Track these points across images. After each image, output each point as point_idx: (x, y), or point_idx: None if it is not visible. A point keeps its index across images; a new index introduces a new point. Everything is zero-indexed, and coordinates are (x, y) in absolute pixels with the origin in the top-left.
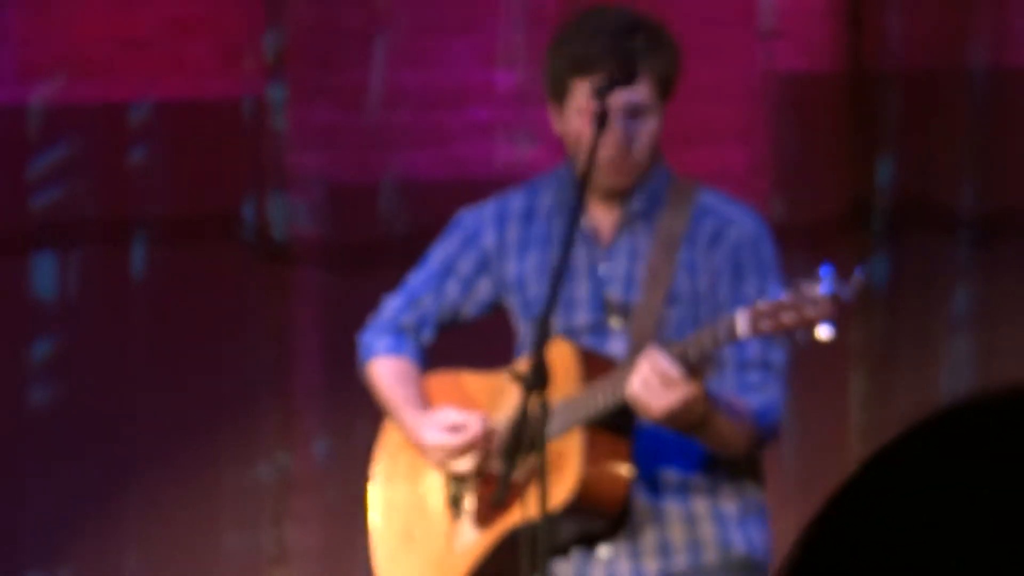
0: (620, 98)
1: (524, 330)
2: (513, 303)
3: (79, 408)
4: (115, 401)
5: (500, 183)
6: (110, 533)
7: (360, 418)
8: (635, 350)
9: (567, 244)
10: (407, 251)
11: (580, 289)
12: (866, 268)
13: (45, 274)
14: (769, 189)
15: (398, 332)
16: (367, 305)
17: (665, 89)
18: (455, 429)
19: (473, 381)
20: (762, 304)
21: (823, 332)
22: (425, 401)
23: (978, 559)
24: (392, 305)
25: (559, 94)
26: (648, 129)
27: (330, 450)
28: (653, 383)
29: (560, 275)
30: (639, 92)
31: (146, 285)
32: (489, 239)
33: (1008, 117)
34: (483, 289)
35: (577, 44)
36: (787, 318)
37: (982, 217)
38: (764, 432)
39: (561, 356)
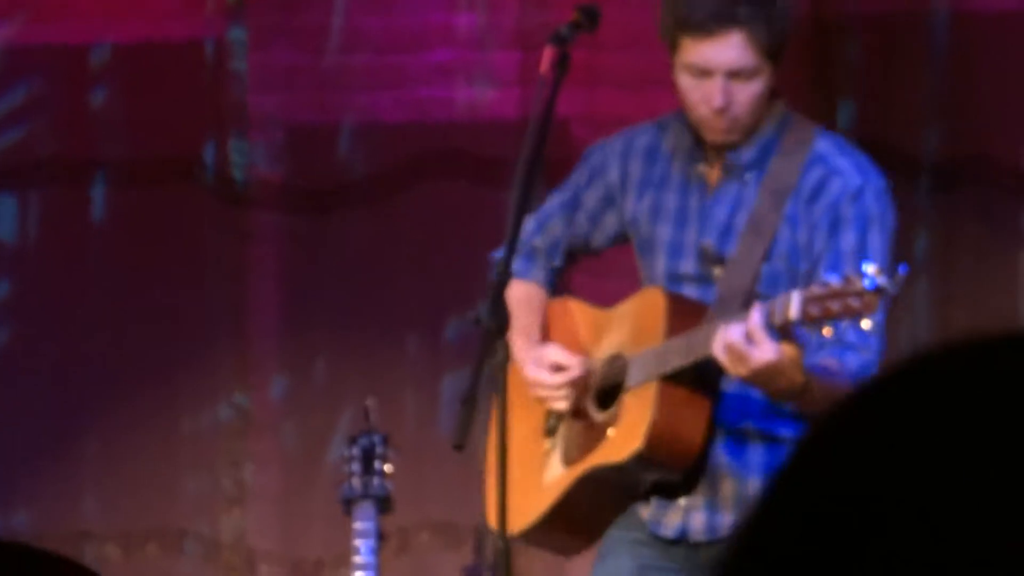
0: (719, 56)
1: (643, 266)
2: (633, 239)
3: (36, 350)
4: (72, 344)
5: (460, 126)
6: (67, 476)
7: (318, 359)
8: (723, 304)
9: (526, 177)
10: (366, 193)
11: (689, 235)
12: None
13: (3, 216)
14: None
15: (530, 254)
16: (326, 247)
17: (771, 51)
18: (556, 368)
19: (584, 314)
20: (817, 288)
21: (865, 324)
22: (542, 329)
23: (936, 526)
24: (527, 227)
25: (670, 47)
26: (750, 91)
27: (288, 391)
28: (739, 345)
29: (520, 208)
30: (736, 53)
31: (105, 227)
32: (613, 174)
33: (970, 61)
34: (610, 222)
35: (683, 1)
36: (835, 306)
37: (943, 162)
38: None
39: (651, 304)
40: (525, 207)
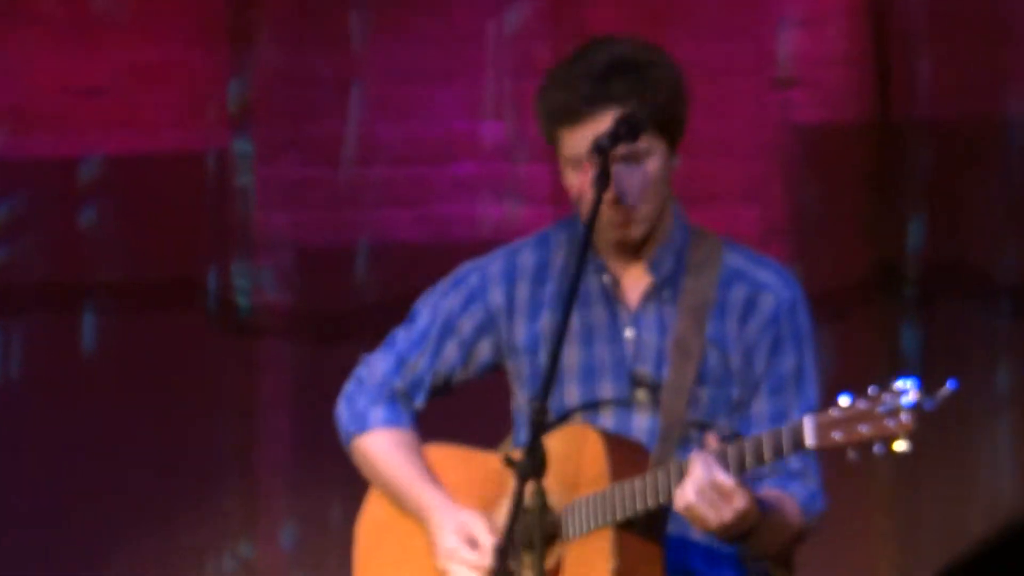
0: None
1: (526, 400)
2: (519, 369)
3: (25, 492)
4: (63, 486)
5: (486, 245)
6: None
7: (332, 504)
8: (666, 436)
9: (566, 313)
10: (383, 320)
11: (602, 354)
12: (954, 379)
13: None
14: (786, 253)
15: (391, 399)
16: (340, 380)
17: (660, 125)
18: (474, 543)
19: (476, 462)
20: (836, 411)
21: (901, 446)
22: (430, 473)
23: None
24: (380, 368)
25: (551, 144)
26: (643, 175)
27: (298, 539)
28: (710, 495)
29: (558, 347)
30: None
31: (97, 358)
32: (496, 298)
33: None
34: (484, 352)
35: (557, 92)
36: (865, 429)
37: (1022, 283)
38: (809, 525)
39: (585, 447)
40: (564, 337)
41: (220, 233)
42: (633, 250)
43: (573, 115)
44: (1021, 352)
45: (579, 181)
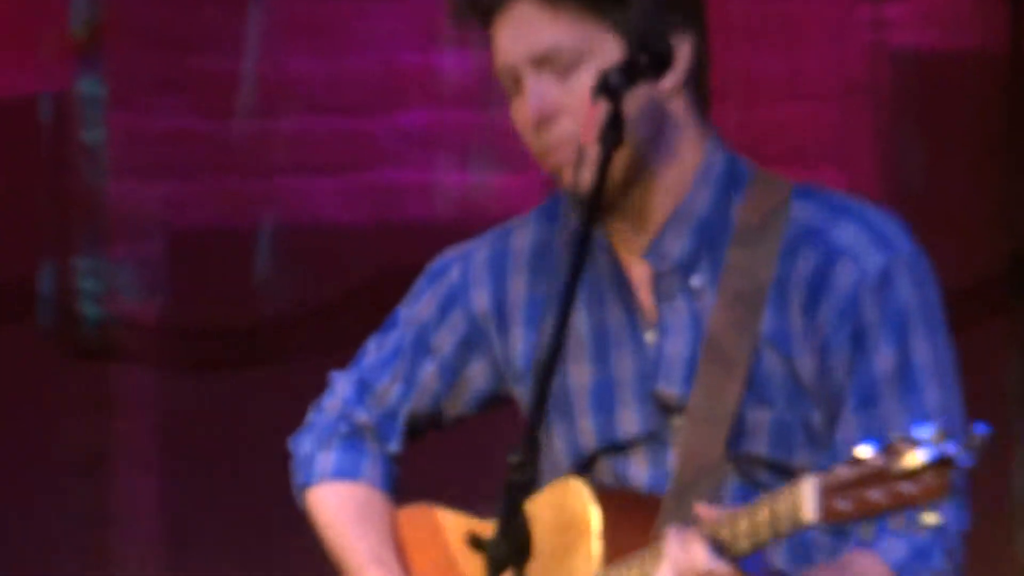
0: (510, 42)
1: (550, 437)
2: (522, 395)
3: None
4: None
5: (447, 230)
6: None
7: None
8: (684, 485)
9: (562, 315)
10: (294, 337)
11: (622, 369)
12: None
13: None
14: None
15: (349, 439)
16: (229, 421)
17: (602, 9)
18: None
19: (458, 528)
20: (842, 471)
21: (932, 519)
22: (392, 551)
23: None
24: (340, 394)
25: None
26: (578, 87)
27: None
28: None
29: (550, 367)
30: (527, 27)
31: None
32: (481, 300)
33: None
34: (476, 377)
35: None
36: (876, 496)
37: None
38: None
39: (572, 512)
40: (557, 356)
41: (57, 212)
42: (624, 218)
43: (481, 9)
44: None
45: (517, 110)
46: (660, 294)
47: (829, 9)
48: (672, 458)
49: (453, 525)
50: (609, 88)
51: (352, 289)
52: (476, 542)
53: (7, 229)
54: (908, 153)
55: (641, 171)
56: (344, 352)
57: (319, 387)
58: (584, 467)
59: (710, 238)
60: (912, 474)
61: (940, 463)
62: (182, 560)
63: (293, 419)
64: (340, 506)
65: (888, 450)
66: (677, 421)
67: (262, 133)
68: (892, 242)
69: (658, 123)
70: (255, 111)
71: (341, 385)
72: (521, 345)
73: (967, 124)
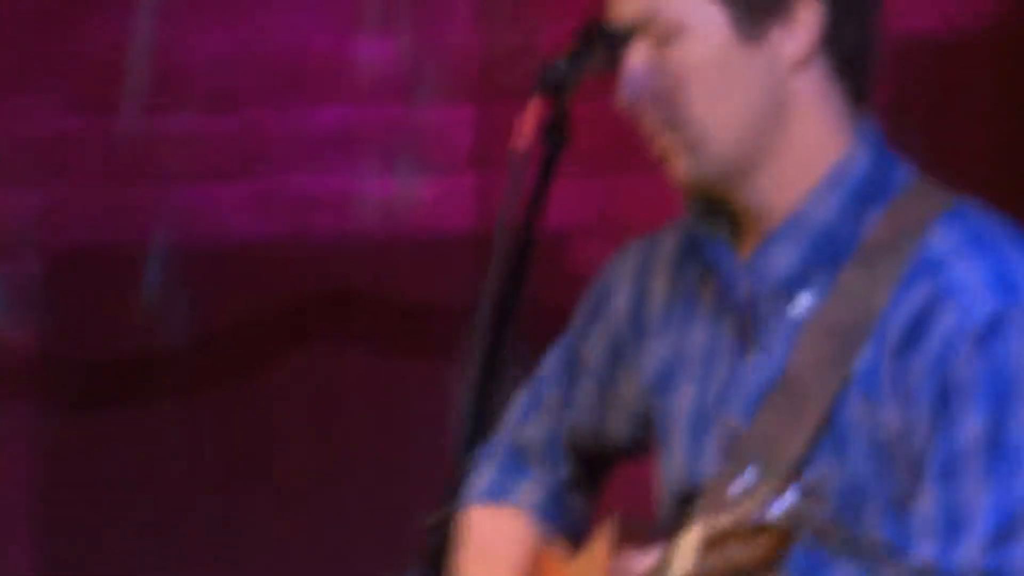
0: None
1: (665, 471)
2: (654, 418)
3: None
4: None
5: (365, 246)
6: None
7: None
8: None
9: (492, 332)
10: (189, 370)
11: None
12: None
13: None
14: None
15: (511, 457)
16: (118, 466)
17: None
18: None
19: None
20: (725, 519)
21: None
22: None
23: None
24: (516, 407)
25: None
26: (677, 61)
27: None
28: None
29: (480, 397)
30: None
31: None
32: (620, 302)
33: None
34: (629, 395)
35: None
36: (737, 553)
37: None
38: None
39: (594, 555)
40: (488, 395)
41: None
42: (736, 220)
43: None
44: None
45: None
46: (756, 314)
47: None
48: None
49: (596, 566)
50: (553, 81)
51: (258, 314)
52: None
53: None
54: (910, 143)
55: (746, 161)
56: (249, 386)
57: (220, 425)
58: (682, 506)
59: (829, 254)
60: (760, 529)
61: (785, 521)
62: None
63: (191, 462)
64: (473, 535)
65: (747, 491)
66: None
67: (151, 133)
68: (1016, 287)
69: (774, 102)
70: (143, 107)
71: (520, 397)
72: (650, 359)
73: (977, 116)
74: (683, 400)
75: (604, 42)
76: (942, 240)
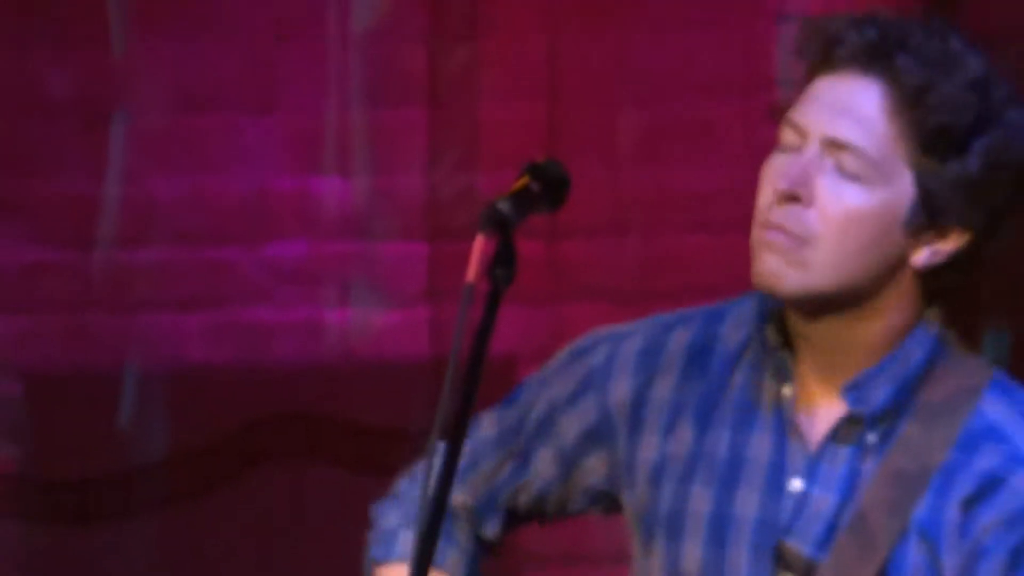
0: (828, 96)
1: (646, 554)
2: (639, 510)
3: None
4: None
5: (322, 374)
6: None
7: None
8: None
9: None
10: (161, 489)
11: (747, 506)
12: None
13: None
14: None
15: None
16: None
17: (926, 143)
18: None
19: None
20: None
21: None
22: None
23: None
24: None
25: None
26: (849, 197)
27: None
28: None
29: (432, 529)
30: (861, 98)
31: None
32: (621, 391)
33: None
34: (592, 473)
35: (827, 20)
36: None
37: None
38: None
39: None
40: (439, 522)
41: None
42: (815, 347)
43: (827, 59)
44: None
45: (774, 165)
46: (835, 435)
47: (743, 28)
48: None
49: None
50: (500, 218)
51: (225, 433)
52: None
53: None
54: None
55: (847, 300)
56: (217, 498)
57: (193, 536)
58: None
59: (902, 397)
60: None
61: None
62: None
63: (172, 571)
64: None
65: None
66: None
67: (123, 265)
68: None
69: (885, 270)
70: (115, 241)
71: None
72: (651, 453)
73: None
74: (699, 501)
75: (550, 177)
76: (995, 408)
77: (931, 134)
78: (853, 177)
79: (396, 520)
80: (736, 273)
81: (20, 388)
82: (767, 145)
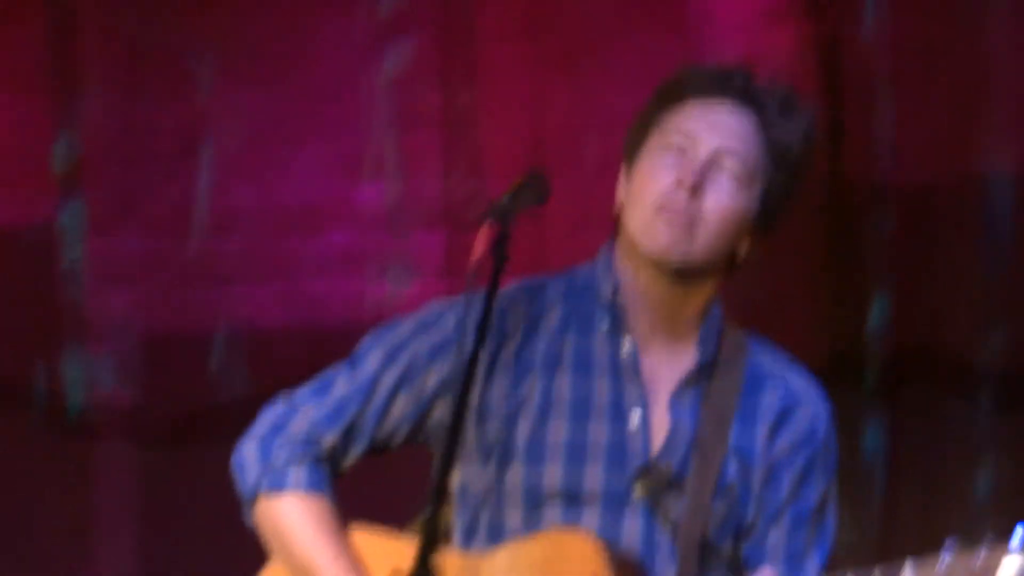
0: (714, 125)
1: (483, 479)
2: (482, 438)
3: None
4: None
5: (365, 327)
6: None
7: None
8: (685, 561)
9: (467, 373)
10: (245, 418)
11: (598, 434)
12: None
13: None
14: None
15: (317, 459)
16: (194, 491)
17: (779, 160)
18: None
19: (409, 552)
20: (942, 568)
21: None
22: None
23: None
24: (311, 416)
25: (642, 136)
26: (729, 199)
27: None
28: None
29: (451, 446)
30: (736, 125)
31: None
32: (471, 348)
33: None
34: (440, 412)
35: (687, 70)
36: None
37: (1006, 371)
38: None
39: (580, 560)
40: (456, 444)
41: (46, 319)
42: (661, 308)
43: (700, 90)
44: (1004, 451)
45: (669, 166)
46: (689, 382)
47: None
48: (627, 522)
49: (398, 544)
50: (499, 210)
51: (291, 380)
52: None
53: (8, 335)
54: (743, 268)
55: (703, 272)
56: None
57: None
58: (535, 506)
59: (710, 356)
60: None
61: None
62: None
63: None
64: (312, 516)
65: (966, 554)
66: (639, 488)
67: (213, 251)
68: (825, 399)
69: (729, 252)
70: (206, 233)
71: (309, 407)
72: (502, 399)
73: (795, 239)
74: (556, 433)
75: (537, 183)
76: (762, 359)
77: (778, 154)
78: (735, 178)
79: (285, 457)
80: None
81: (136, 344)
82: None
